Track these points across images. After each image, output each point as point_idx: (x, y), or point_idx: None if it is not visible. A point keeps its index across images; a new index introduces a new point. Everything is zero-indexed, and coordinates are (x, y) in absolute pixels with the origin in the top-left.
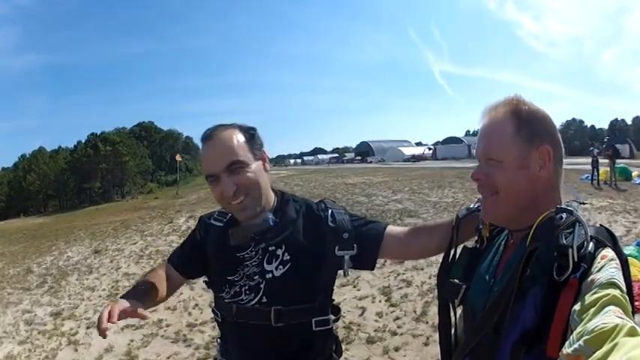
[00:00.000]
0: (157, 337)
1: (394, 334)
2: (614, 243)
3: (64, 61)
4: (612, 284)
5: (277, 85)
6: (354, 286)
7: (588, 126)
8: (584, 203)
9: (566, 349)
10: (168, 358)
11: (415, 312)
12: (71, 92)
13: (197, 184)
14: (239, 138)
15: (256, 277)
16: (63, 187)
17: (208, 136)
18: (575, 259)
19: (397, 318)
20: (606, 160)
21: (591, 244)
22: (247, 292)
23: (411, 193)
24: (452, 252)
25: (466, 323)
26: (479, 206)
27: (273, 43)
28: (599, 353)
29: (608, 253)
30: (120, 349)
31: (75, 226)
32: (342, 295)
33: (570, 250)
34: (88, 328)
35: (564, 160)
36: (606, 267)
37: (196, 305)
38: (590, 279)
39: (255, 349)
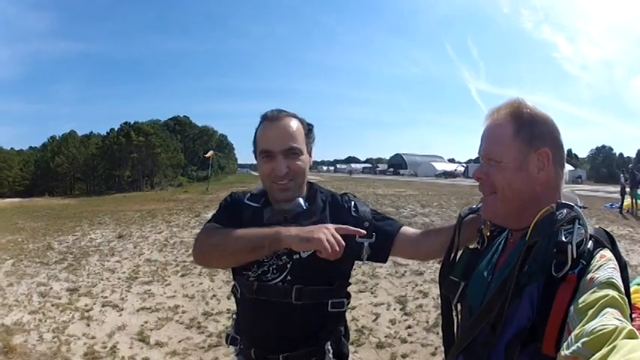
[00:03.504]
0: (172, 321)
1: (404, 341)
2: (613, 245)
3: (100, 51)
4: (611, 284)
5: (312, 93)
6: (372, 293)
7: (617, 154)
8: (584, 207)
9: (564, 351)
10: (179, 342)
11: (428, 322)
12: (106, 82)
13: (228, 181)
14: (301, 128)
15: (284, 257)
16: (92, 171)
17: (275, 116)
18: (574, 256)
19: (409, 327)
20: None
21: (590, 243)
22: (274, 270)
23: (439, 208)
24: (453, 250)
25: (463, 321)
26: (481, 206)
27: (311, 52)
28: (597, 355)
29: (607, 253)
30: (133, 328)
31: (101, 210)
32: (359, 300)
33: (569, 247)
34: (103, 306)
35: (594, 187)
36: (605, 266)
37: (214, 296)
38: (589, 277)
39: (269, 325)
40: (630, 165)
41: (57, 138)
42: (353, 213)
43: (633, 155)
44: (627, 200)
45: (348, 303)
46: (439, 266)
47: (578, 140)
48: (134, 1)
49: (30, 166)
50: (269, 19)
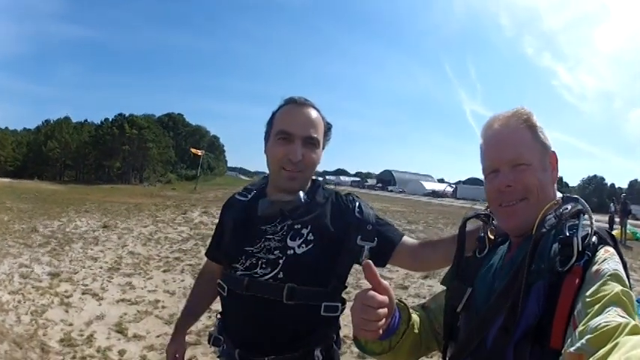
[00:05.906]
0: (151, 315)
1: None
2: (615, 244)
3: (103, 39)
4: (618, 277)
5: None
6: None
7: (608, 184)
8: None
9: (569, 348)
10: (158, 336)
11: None
12: (105, 70)
13: (216, 183)
14: (323, 123)
15: (276, 251)
16: (82, 159)
17: (302, 102)
18: (580, 249)
19: None
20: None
21: (595, 237)
22: (264, 265)
23: (426, 226)
24: (457, 259)
25: (467, 325)
26: (485, 213)
27: (309, 59)
28: (600, 352)
29: (611, 249)
30: (111, 319)
31: (88, 199)
32: None
33: (575, 239)
34: (83, 293)
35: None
36: (610, 260)
37: None
38: (594, 269)
39: (258, 324)
40: (623, 194)
41: (51, 122)
42: (357, 214)
43: (625, 186)
44: (617, 229)
45: (343, 309)
46: (423, 281)
47: (570, 169)
48: None
49: (22, 147)
50: (271, 22)
